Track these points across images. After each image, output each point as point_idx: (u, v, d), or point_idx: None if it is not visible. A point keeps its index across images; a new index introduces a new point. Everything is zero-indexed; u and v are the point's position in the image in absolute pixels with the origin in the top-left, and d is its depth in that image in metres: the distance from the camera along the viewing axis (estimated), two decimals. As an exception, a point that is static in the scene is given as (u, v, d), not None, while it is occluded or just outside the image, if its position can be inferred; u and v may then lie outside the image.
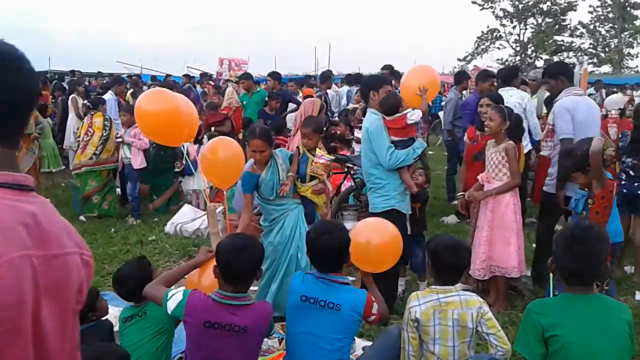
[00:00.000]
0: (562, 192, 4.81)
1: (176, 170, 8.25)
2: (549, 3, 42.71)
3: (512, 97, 5.43)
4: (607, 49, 42.73)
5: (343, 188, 6.69)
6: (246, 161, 4.65)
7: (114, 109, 9.37)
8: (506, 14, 43.83)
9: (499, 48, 45.14)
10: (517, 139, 4.91)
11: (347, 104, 11.06)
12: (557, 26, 43.17)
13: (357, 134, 7.57)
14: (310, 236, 3.14)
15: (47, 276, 1.17)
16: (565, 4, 42.22)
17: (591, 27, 42.94)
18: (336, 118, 9.41)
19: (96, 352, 2.72)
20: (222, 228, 4.86)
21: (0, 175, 1.18)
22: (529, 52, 44.04)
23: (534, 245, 5.53)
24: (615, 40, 41.91)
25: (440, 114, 13.27)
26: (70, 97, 10.99)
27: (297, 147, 4.98)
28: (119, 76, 13.60)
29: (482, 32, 45.03)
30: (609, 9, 41.36)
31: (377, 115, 4.65)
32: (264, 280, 4.51)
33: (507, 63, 39.88)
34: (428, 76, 4.99)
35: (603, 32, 43.08)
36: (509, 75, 6.29)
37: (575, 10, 42.46)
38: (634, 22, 40.04)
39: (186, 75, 17.80)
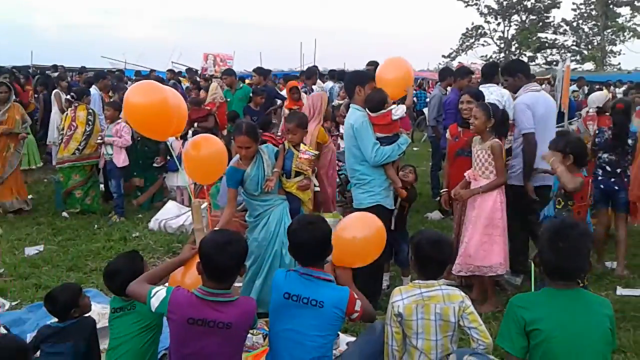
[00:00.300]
0: (529, 184, 4.98)
1: (155, 165, 8.19)
2: (532, 0, 43.07)
3: (492, 94, 5.48)
4: (590, 47, 43.22)
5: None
6: (230, 157, 4.63)
7: (97, 104, 9.26)
8: (490, 11, 44.16)
9: (483, 45, 45.60)
10: (503, 135, 4.93)
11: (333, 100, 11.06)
12: (540, 23, 43.58)
13: (343, 130, 7.56)
14: (292, 229, 3.14)
15: None
16: (549, 2, 42.64)
17: (574, 24, 43.42)
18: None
19: None
20: (207, 224, 4.85)
21: None
22: (513, 49, 44.39)
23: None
24: (598, 38, 42.38)
25: (425, 110, 13.30)
26: (54, 92, 10.85)
27: (283, 142, 4.98)
28: (102, 71, 13.45)
29: (467, 29, 45.42)
30: (592, 7, 41.81)
31: (362, 111, 4.65)
32: (249, 276, 4.51)
33: (491, 60, 40.14)
34: (402, 68, 4.98)
35: (586, 30, 43.60)
36: (489, 72, 6.33)
37: (558, 7, 42.97)
38: (617, 19, 40.51)
39: (170, 71, 17.66)
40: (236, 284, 4.04)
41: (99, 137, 7.66)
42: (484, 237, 4.66)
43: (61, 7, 70.44)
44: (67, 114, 8.04)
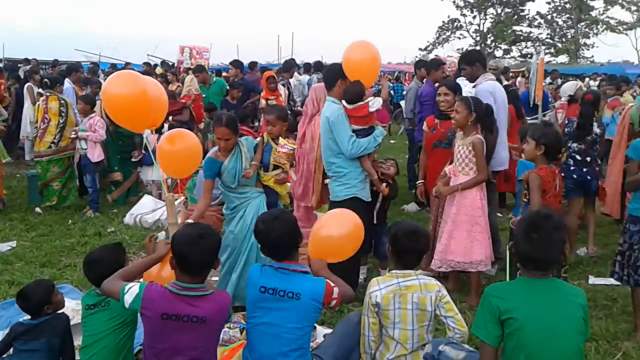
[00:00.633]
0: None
1: (133, 160, 8.07)
2: (508, -7, 43.45)
3: (466, 86, 5.52)
4: (564, 39, 43.75)
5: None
6: (204, 152, 4.59)
7: (71, 98, 9.09)
8: (466, 3, 44.47)
9: (459, 38, 45.88)
10: (488, 128, 4.91)
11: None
12: (515, 16, 44.00)
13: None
14: (259, 230, 3.11)
15: None
16: (524, -5, 43.03)
17: (549, 17, 43.87)
18: (299, 107, 9.37)
19: None
20: (183, 219, 4.81)
21: None
22: (488, 42, 44.75)
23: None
24: (572, 31, 42.94)
25: (402, 103, 13.34)
26: (26, 85, 10.65)
27: (262, 135, 4.94)
28: (75, 64, 13.21)
29: (443, 22, 45.69)
30: (566, 0, 42.26)
31: (338, 104, 4.64)
32: (225, 269, 4.49)
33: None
34: (368, 52, 4.82)
35: (560, 23, 44.08)
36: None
37: (533, 1, 43.43)
38: (590, 12, 41.06)
39: (146, 64, 17.44)
40: (213, 278, 4.03)
41: (73, 132, 7.49)
42: (464, 234, 4.59)
43: (35, 1, 69.01)
44: (38, 105, 7.81)
